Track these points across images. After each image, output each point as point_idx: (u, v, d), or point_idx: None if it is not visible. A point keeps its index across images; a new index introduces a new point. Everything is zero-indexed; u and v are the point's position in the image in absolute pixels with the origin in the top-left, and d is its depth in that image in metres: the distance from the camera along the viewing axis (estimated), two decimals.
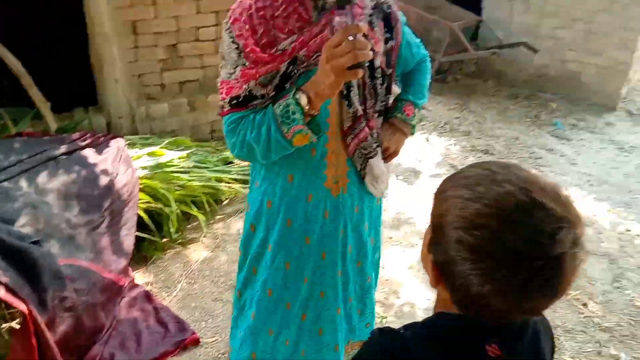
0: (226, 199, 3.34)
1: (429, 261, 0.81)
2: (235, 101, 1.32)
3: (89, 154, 2.73)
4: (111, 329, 2.31)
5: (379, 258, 1.77)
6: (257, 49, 1.27)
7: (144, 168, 2.90)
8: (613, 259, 3.10)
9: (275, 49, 1.28)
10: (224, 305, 2.58)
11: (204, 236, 3.03)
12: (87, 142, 2.82)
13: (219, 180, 3.24)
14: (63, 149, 2.67)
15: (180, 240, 2.95)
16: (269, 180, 1.48)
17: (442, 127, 4.54)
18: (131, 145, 3.10)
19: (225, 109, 1.35)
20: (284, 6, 1.28)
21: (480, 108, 4.97)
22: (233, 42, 1.29)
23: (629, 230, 3.37)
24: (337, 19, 1.17)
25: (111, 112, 3.50)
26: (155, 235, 2.85)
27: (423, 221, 3.25)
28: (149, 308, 2.47)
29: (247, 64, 1.29)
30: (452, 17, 5.13)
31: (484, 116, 4.81)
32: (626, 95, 5.16)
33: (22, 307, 1.81)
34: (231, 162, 3.52)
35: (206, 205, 3.09)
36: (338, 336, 1.61)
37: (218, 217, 3.21)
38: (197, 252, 2.92)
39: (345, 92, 1.36)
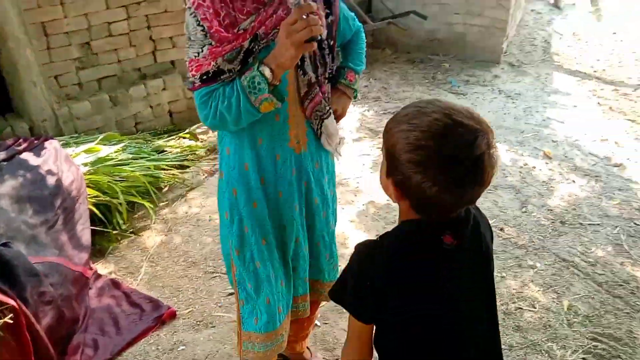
0: (166, 185, 3.45)
1: (390, 184, 1.06)
2: (205, 76, 1.45)
3: (29, 157, 2.74)
4: (87, 318, 2.40)
5: (336, 207, 2.03)
6: (222, 30, 1.42)
7: (85, 164, 2.95)
8: (518, 189, 3.60)
9: (237, 28, 1.43)
10: (191, 280, 2.73)
11: (154, 222, 3.14)
12: (23, 146, 2.82)
13: (158, 168, 3.34)
14: (2, 155, 2.66)
15: (132, 229, 3.04)
16: (241, 145, 1.64)
17: None
18: (65, 145, 3.11)
19: (196, 84, 1.48)
20: None
21: (384, 75, 5.38)
22: (199, 24, 1.42)
23: (526, 164, 3.92)
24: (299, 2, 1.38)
25: (33, 117, 3.44)
26: (108, 227, 2.92)
27: (354, 180, 3.57)
28: (119, 294, 2.57)
29: (213, 43, 1.43)
30: None
31: (389, 82, 5.22)
32: (506, 49, 5.80)
33: (11, 302, 1.88)
34: (164, 151, 3.62)
35: (152, 193, 3.19)
36: (306, 271, 1.87)
37: (162, 203, 3.32)
38: (151, 238, 3.03)
39: (299, 62, 1.57)
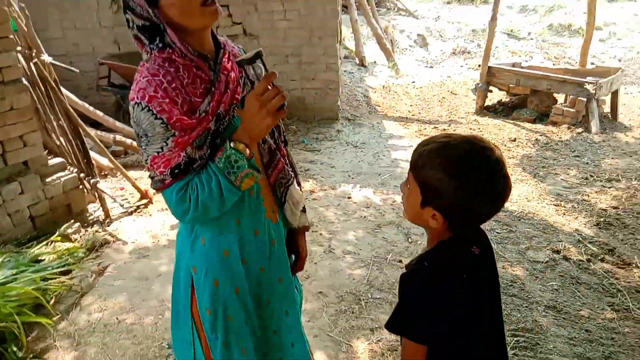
0: (52, 297, 3.07)
1: (425, 213, 1.21)
2: (177, 170, 1.35)
3: None
4: None
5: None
6: (184, 117, 1.33)
7: None
8: (397, 224, 3.98)
9: (198, 112, 1.36)
10: None
11: (56, 340, 2.76)
12: None
13: (45, 278, 2.97)
14: None
15: (33, 355, 2.64)
16: (219, 231, 1.52)
17: None
18: None
19: (167, 181, 1.37)
20: (186, 73, 1.36)
21: None
22: (156, 118, 1.31)
23: (395, 201, 4.35)
24: (251, 71, 1.41)
25: None
26: (9, 353, 2.50)
27: None
28: None
29: (176, 133, 1.33)
30: None
31: None
32: (340, 106, 6.41)
33: None
34: (40, 260, 3.23)
35: (49, 308, 2.82)
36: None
37: (56, 317, 2.95)
38: (59, 358, 2.66)
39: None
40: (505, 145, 5.73)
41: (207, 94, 1.39)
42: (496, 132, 6.17)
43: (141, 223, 3.99)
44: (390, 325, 1.25)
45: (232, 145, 1.36)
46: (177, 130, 1.32)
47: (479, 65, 10.03)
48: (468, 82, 8.83)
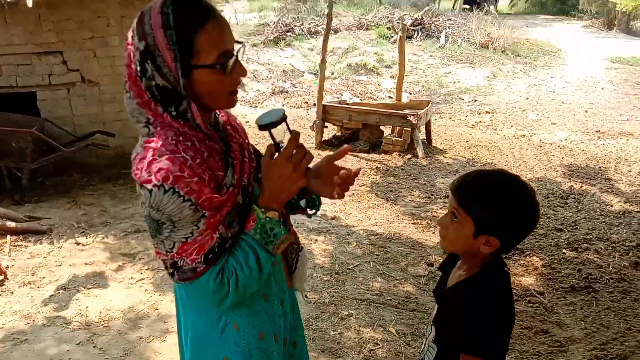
0: None
1: (478, 241, 1.37)
2: (211, 254, 1.24)
3: None
4: None
5: None
6: (215, 195, 1.23)
7: None
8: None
9: (224, 187, 1.28)
10: None
11: None
12: None
13: None
14: None
15: None
16: (250, 312, 1.40)
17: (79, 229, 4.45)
18: None
19: (200, 269, 1.24)
20: (203, 146, 1.26)
21: (93, 200, 5.07)
22: (184, 200, 1.17)
23: None
24: (274, 133, 1.28)
25: None
26: None
27: None
28: None
29: (206, 214, 1.21)
30: (15, 123, 4.94)
31: (104, 205, 4.96)
32: None
33: None
34: None
35: None
36: None
37: None
38: None
39: None
40: None
41: (225, 167, 1.30)
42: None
43: (3, 303, 3.41)
44: (469, 349, 1.35)
45: (262, 214, 1.29)
46: (206, 210, 1.21)
47: (306, 103, 10.75)
48: (297, 119, 9.34)
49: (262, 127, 1.28)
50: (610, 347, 3.04)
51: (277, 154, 1.30)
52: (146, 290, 3.57)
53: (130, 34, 1.23)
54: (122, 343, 3.01)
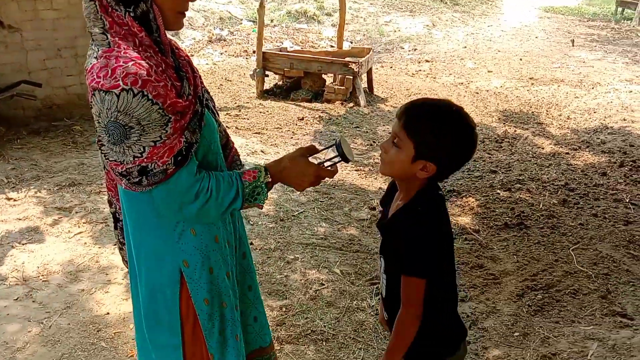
0: None
1: (415, 166, 1.39)
2: (180, 157, 1.32)
3: None
4: None
5: None
6: (179, 100, 1.30)
7: None
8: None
9: (183, 95, 1.34)
10: None
11: None
12: None
13: None
14: None
15: None
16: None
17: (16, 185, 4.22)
18: None
19: (170, 170, 1.32)
20: (158, 57, 1.33)
21: (23, 154, 4.79)
22: (153, 103, 1.24)
23: None
24: (327, 162, 1.54)
25: None
26: None
27: None
28: None
29: (172, 118, 1.29)
30: None
31: (34, 158, 4.71)
32: None
33: None
34: None
35: None
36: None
37: None
38: None
39: (215, 112, 1.59)
40: (296, 124, 6.20)
41: (180, 79, 1.37)
42: (283, 113, 6.60)
43: None
44: (406, 270, 1.42)
45: (264, 179, 1.45)
46: (171, 114, 1.29)
47: (245, 52, 10.46)
48: (236, 69, 9.11)
49: (337, 146, 1.51)
50: (539, 278, 3.24)
51: (314, 157, 1.56)
52: (85, 243, 3.47)
53: None
54: (62, 296, 2.93)
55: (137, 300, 1.59)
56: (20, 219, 3.72)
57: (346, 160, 1.52)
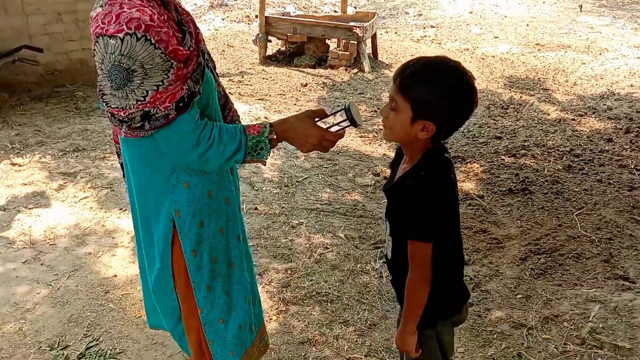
0: None
1: (415, 126, 1.37)
2: (181, 103, 1.34)
3: None
4: None
5: None
6: (180, 48, 1.33)
7: None
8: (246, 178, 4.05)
9: (185, 46, 1.37)
10: None
11: None
12: None
13: None
14: None
15: None
16: (202, 173, 1.52)
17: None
18: None
19: (172, 116, 1.35)
20: (160, 9, 1.37)
21: (26, 120, 4.79)
22: (155, 47, 1.27)
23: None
24: (336, 127, 1.53)
25: None
26: None
27: None
28: None
29: (174, 64, 1.31)
30: None
31: (37, 124, 4.70)
32: None
33: None
34: None
35: None
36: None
37: None
38: None
39: (214, 75, 1.60)
40: (299, 91, 6.14)
41: (182, 33, 1.40)
42: (286, 79, 6.53)
43: None
44: (412, 234, 1.42)
45: (268, 134, 1.45)
46: (174, 61, 1.31)
47: (247, 17, 10.30)
48: (238, 34, 8.99)
49: (346, 111, 1.50)
50: (543, 242, 3.26)
51: (322, 122, 1.55)
52: (91, 207, 3.49)
53: None
54: (70, 259, 2.96)
55: (139, 245, 1.67)
56: (25, 184, 3.74)
57: (355, 124, 1.52)
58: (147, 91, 1.31)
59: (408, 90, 1.37)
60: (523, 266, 3.03)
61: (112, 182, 3.78)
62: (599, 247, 3.20)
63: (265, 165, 1.56)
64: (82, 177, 3.85)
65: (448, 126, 1.42)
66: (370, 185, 4.00)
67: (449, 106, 1.37)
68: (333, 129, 1.54)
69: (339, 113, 1.58)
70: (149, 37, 1.26)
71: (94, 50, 1.31)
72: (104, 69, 1.29)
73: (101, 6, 1.32)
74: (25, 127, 4.67)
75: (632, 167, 4.26)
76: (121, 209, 3.46)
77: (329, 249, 3.14)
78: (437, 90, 1.35)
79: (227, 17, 10.52)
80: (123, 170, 1.66)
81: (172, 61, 1.31)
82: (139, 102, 1.32)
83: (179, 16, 1.47)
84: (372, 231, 3.36)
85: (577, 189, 3.92)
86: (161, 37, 1.28)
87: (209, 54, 1.60)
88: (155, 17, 1.29)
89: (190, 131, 1.38)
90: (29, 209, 3.45)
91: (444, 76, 1.37)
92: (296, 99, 5.92)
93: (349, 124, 1.52)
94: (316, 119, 1.54)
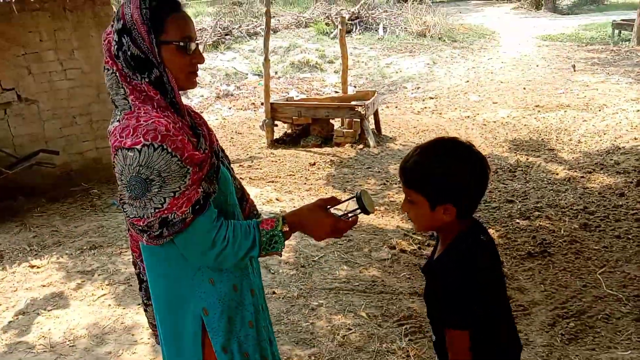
0: None
1: (437, 212, 1.39)
2: (197, 206, 1.39)
3: None
4: None
5: None
6: (196, 153, 1.39)
7: None
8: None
9: (200, 149, 1.44)
10: None
11: None
12: None
13: None
14: None
15: None
16: (224, 269, 1.53)
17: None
18: None
19: (188, 219, 1.38)
20: (174, 116, 1.43)
21: (43, 222, 4.88)
22: (172, 156, 1.33)
23: None
24: (350, 214, 1.56)
25: None
26: None
27: None
28: None
29: (190, 170, 1.37)
30: None
31: (55, 225, 4.79)
32: None
33: None
34: None
35: None
36: None
37: None
38: None
39: (230, 168, 1.67)
40: (308, 170, 6.26)
41: (196, 136, 1.47)
42: (295, 160, 6.68)
43: None
44: (445, 322, 1.39)
45: (281, 228, 1.48)
46: (190, 165, 1.37)
47: (253, 104, 10.68)
48: (245, 121, 9.29)
49: (358, 199, 1.54)
50: (569, 305, 3.18)
51: (335, 209, 1.57)
52: (109, 305, 3.48)
53: (108, 29, 1.43)
54: None
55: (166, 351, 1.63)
56: (44, 286, 3.75)
57: (366, 212, 1.55)
58: (164, 198, 1.36)
59: (416, 183, 1.41)
60: (552, 332, 2.94)
61: (129, 277, 3.78)
62: (627, 305, 3.11)
63: (281, 256, 1.60)
64: (99, 275, 3.86)
65: (466, 203, 1.42)
66: (387, 259, 3.97)
67: (460, 183, 1.38)
68: (345, 216, 1.57)
69: (350, 201, 1.62)
70: (165, 147, 1.33)
71: (114, 162, 1.36)
72: (124, 179, 1.34)
73: (118, 120, 1.39)
74: (43, 228, 4.75)
75: None
76: (139, 304, 3.43)
77: (351, 329, 3.08)
78: (442, 172, 1.37)
79: (234, 105, 10.92)
80: (140, 282, 1.68)
81: (188, 167, 1.37)
82: (157, 210, 1.36)
83: (192, 120, 1.54)
84: (395, 307, 3.30)
85: (596, 247, 3.87)
86: (177, 145, 1.35)
87: (223, 151, 1.67)
88: (171, 126, 1.36)
89: (206, 232, 1.42)
90: (48, 310, 3.44)
91: (445, 158, 1.39)
92: (306, 178, 6.02)
93: (361, 211, 1.55)
94: (328, 207, 1.57)
